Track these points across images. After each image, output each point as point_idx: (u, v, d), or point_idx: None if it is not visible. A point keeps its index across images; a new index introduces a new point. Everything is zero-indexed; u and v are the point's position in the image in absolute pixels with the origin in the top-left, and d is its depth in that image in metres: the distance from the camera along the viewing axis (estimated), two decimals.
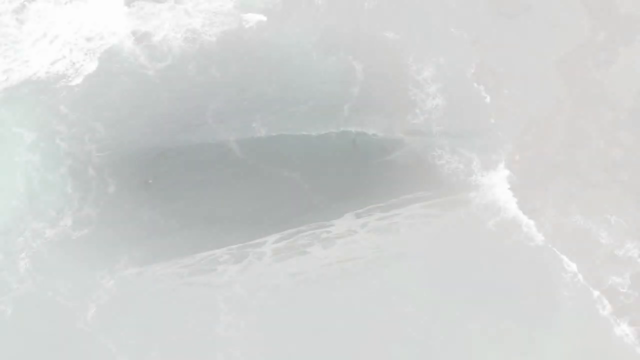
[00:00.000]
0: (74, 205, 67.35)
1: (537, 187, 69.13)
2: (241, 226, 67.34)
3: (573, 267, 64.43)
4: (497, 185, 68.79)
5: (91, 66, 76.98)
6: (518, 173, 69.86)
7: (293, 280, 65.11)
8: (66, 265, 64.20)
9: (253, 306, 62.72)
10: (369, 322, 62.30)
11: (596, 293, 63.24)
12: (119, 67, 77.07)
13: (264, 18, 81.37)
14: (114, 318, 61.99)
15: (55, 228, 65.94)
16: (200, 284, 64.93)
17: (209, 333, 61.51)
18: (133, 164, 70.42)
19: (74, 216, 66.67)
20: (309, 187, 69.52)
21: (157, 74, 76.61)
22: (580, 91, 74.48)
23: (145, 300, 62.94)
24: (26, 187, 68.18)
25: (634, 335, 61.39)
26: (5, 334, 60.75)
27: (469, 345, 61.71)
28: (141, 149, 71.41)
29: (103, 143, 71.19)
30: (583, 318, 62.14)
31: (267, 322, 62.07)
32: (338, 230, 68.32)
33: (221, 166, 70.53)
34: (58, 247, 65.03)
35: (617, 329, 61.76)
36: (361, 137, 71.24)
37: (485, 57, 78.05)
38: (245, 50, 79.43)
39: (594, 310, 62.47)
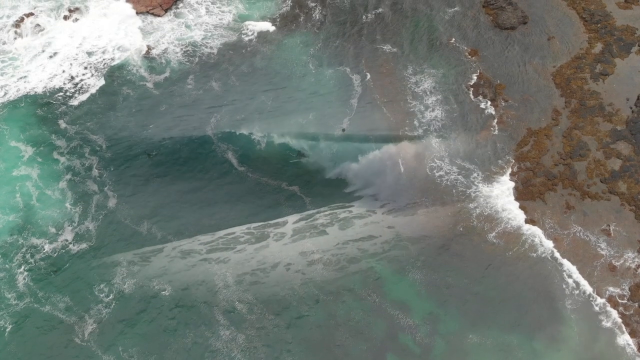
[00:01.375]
0: (74, 220, 67.03)
1: (536, 198, 69.19)
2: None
3: (574, 278, 64.39)
4: (497, 197, 68.83)
5: (92, 80, 76.89)
6: (517, 185, 69.97)
7: (306, 260, 65.81)
8: (65, 280, 63.74)
9: (252, 320, 62.37)
10: (369, 334, 61.98)
11: (598, 304, 63.16)
12: (120, 81, 76.96)
13: (271, 27, 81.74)
14: (112, 333, 61.50)
15: (55, 243, 65.55)
16: (217, 260, 65.61)
17: (207, 347, 61.13)
18: (134, 177, 70.33)
19: (74, 231, 66.34)
20: (310, 201, 69.56)
21: (157, 87, 76.51)
22: (577, 102, 74.89)
23: (144, 315, 62.46)
24: (25, 202, 67.85)
25: (636, 346, 61.29)
26: (5, 349, 60.17)
27: (469, 357, 61.43)
28: (143, 162, 71.39)
29: (104, 156, 71.14)
30: (586, 329, 62.03)
31: (266, 336, 61.71)
32: (358, 211, 69.06)
33: (224, 181, 70.50)
34: (57, 262, 64.59)
35: (619, 340, 61.67)
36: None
37: (484, 69, 78.62)
38: (244, 62, 79.70)
39: (597, 321, 62.38)
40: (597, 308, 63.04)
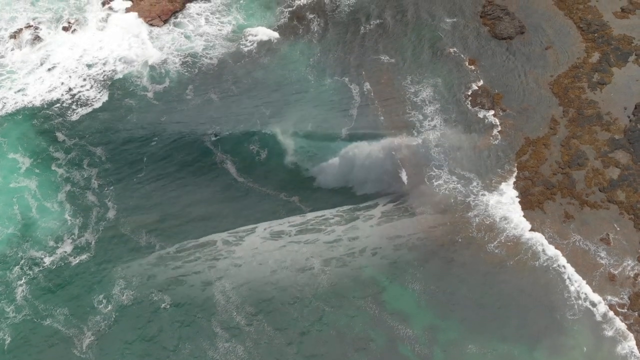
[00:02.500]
0: (73, 232, 66.85)
1: (535, 207, 69.25)
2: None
3: (576, 287, 64.33)
4: (497, 206, 68.86)
5: (91, 92, 76.76)
6: (516, 194, 70.04)
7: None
8: (64, 293, 63.54)
9: (250, 332, 62.19)
10: (368, 345, 61.80)
11: (599, 314, 63.12)
12: (121, 92, 76.82)
13: (270, 37, 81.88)
14: (111, 345, 61.25)
15: (54, 255, 65.35)
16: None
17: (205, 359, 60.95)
18: (134, 188, 70.25)
19: (73, 243, 66.16)
20: (309, 210, 69.56)
21: (157, 98, 76.39)
22: (575, 112, 75.10)
23: (142, 326, 62.25)
24: (23, 214, 67.67)
25: (639, 355, 61.31)
26: None
27: None
28: (143, 174, 71.25)
29: (104, 168, 71.03)
30: (587, 339, 61.93)
31: (264, 348, 61.51)
32: (350, 217, 69.02)
33: (225, 192, 70.54)
34: (56, 274, 64.36)
35: (621, 349, 61.60)
36: None
37: (482, 79, 78.84)
38: (243, 73, 79.69)
39: (598, 330, 62.27)
40: (599, 318, 62.98)
